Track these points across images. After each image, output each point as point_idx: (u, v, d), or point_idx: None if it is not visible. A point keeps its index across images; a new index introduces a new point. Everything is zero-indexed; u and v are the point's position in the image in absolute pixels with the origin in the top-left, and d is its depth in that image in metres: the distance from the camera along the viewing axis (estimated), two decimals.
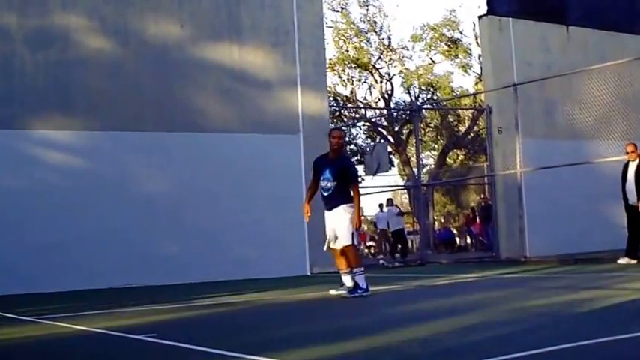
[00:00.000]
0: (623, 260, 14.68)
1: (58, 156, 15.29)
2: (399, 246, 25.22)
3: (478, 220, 29.51)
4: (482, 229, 28.88)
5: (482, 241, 29.18)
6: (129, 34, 16.14)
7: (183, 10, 16.69)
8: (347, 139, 40.39)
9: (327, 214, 10.25)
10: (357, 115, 41.32)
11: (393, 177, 41.06)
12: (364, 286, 10.04)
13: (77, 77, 15.53)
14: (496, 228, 20.73)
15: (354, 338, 6.07)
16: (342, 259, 10.23)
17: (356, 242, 10.29)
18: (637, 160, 14.77)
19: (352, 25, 41.14)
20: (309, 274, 15.96)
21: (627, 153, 14.97)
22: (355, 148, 41.08)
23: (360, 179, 14.71)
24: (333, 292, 10.32)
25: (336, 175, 10.13)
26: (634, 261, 14.53)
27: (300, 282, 11.53)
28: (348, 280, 10.21)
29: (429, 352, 5.26)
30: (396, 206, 28.11)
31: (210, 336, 6.98)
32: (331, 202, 10.18)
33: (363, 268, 10.19)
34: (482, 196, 30.78)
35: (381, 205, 27.69)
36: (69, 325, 8.08)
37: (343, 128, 31.67)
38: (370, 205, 25.42)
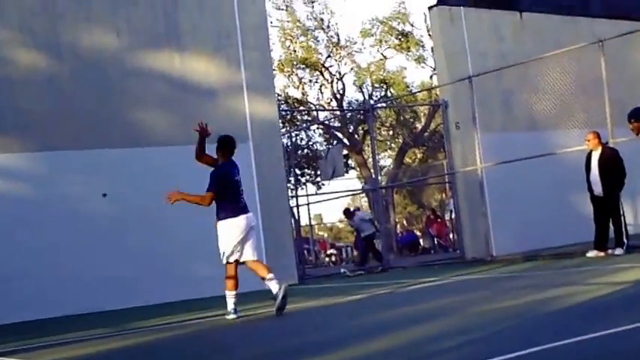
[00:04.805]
0: (591, 253, 14.83)
1: None
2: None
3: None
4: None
5: (440, 243, 29.36)
6: (61, 46, 15.99)
7: (118, 17, 16.58)
8: (301, 143, 40.47)
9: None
10: (310, 118, 41.35)
11: (351, 180, 41.23)
12: None
13: (7, 96, 15.35)
14: (460, 227, 20.87)
15: (317, 354, 6.10)
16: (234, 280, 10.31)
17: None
18: (600, 149, 14.93)
19: (298, 24, 41.18)
20: (267, 288, 15.93)
21: (587, 141, 15.09)
22: (309, 152, 41.09)
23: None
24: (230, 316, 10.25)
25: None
26: (602, 253, 14.69)
27: (255, 298, 11.56)
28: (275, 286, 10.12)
29: None
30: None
31: None
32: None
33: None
34: (357, 207, 28.90)
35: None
36: None
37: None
38: (329, 211, 25.24)
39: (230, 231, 10.24)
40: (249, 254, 10.33)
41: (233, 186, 10.30)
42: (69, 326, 12.07)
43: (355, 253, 28.10)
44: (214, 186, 10.21)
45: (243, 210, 10.32)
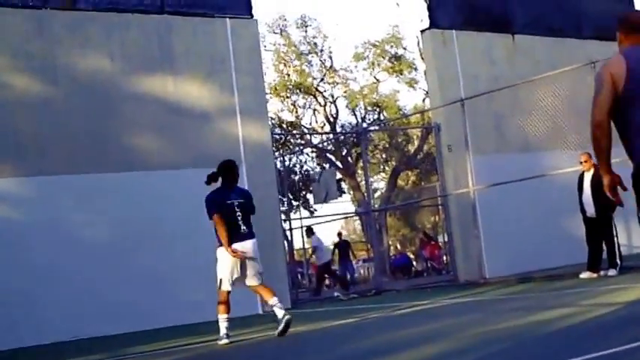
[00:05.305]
0: (585, 275, 14.80)
1: None
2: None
3: (337, 257, 24.39)
4: (342, 266, 24.44)
5: (433, 266, 29.33)
6: (57, 71, 16.02)
7: (113, 41, 16.63)
8: (295, 167, 40.47)
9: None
10: (303, 142, 41.37)
11: (344, 204, 41.16)
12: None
13: (2, 120, 15.34)
14: (452, 250, 20.82)
15: None
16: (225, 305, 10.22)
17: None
18: (592, 170, 14.91)
19: (293, 48, 41.26)
20: (261, 312, 15.89)
21: (581, 163, 15.11)
22: (303, 176, 41.05)
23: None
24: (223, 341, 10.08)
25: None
26: (595, 275, 14.66)
27: (251, 322, 11.50)
28: (279, 312, 10.11)
29: None
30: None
31: None
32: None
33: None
34: (338, 231, 27.93)
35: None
36: None
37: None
38: (322, 235, 24.90)
39: (224, 258, 10.18)
40: (251, 279, 10.25)
41: (226, 210, 10.22)
42: (67, 352, 12.00)
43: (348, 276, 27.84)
44: (212, 209, 10.12)
45: (239, 237, 10.16)
